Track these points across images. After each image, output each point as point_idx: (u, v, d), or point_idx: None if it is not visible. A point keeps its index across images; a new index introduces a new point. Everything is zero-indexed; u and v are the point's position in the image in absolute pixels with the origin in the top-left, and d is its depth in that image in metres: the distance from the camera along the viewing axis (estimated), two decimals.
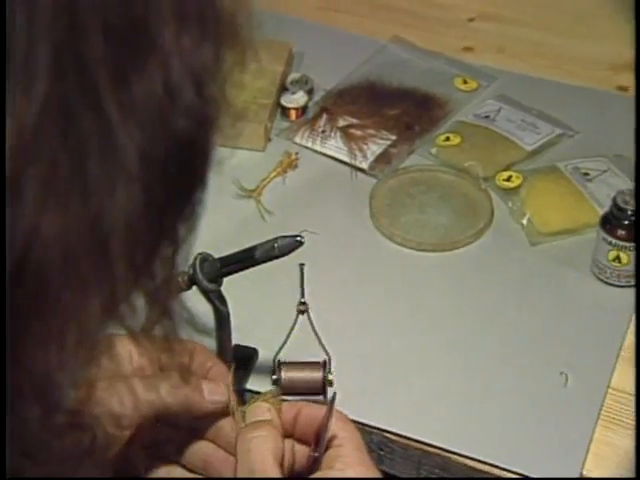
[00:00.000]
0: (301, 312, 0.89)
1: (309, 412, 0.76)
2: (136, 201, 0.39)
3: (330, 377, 0.88)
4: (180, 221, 0.43)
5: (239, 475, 0.72)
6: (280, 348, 0.89)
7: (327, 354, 0.89)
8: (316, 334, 0.89)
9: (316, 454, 0.73)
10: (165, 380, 0.74)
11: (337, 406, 0.91)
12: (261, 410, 0.74)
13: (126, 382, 0.71)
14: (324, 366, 0.88)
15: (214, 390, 0.75)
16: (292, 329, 0.89)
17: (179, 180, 0.41)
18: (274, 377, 0.89)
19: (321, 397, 0.88)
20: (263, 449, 0.71)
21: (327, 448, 0.73)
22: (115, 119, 0.37)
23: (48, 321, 0.39)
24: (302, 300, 0.89)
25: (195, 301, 0.81)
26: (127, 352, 0.75)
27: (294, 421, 0.76)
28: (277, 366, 0.89)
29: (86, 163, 0.37)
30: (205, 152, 0.42)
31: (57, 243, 0.37)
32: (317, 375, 0.88)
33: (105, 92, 0.37)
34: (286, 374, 0.88)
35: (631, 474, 0.89)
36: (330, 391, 0.88)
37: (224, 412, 0.75)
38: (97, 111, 0.37)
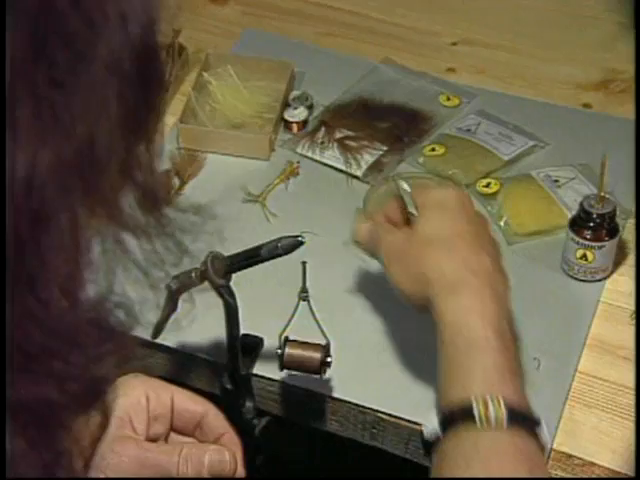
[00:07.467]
0: (302, 299, 0.89)
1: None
2: (111, 107, 0.40)
3: (328, 359, 0.87)
4: (150, 118, 0.44)
5: None
6: (285, 328, 0.88)
7: (327, 339, 0.88)
8: (316, 321, 0.88)
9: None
10: (168, 453, 0.74)
11: (336, 390, 0.91)
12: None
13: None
14: (324, 349, 0.88)
15: (217, 461, 0.76)
16: (294, 314, 0.88)
17: (142, 82, 0.42)
18: (279, 351, 0.88)
19: (318, 376, 0.88)
20: None
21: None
22: (83, 36, 0.39)
23: (52, 234, 0.40)
24: (304, 289, 0.89)
25: (207, 296, 0.82)
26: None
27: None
28: (283, 342, 0.88)
29: (63, 87, 0.38)
30: (157, 55, 0.43)
31: (53, 166, 0.38)
32: (316, 356, 0.87)
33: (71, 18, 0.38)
34: (289, 350, 0.87)
35: (596, 447, 0.89)
36: (327, 373, 0.88)
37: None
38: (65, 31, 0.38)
